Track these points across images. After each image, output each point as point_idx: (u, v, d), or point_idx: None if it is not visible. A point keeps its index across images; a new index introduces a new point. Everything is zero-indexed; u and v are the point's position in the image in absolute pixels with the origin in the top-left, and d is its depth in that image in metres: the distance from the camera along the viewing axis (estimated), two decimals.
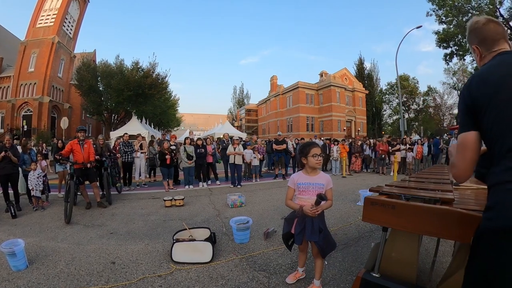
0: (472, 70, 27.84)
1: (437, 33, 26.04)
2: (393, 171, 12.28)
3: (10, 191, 7.10)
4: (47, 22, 37.10)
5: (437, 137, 18.68)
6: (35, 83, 35.35)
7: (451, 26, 24.80)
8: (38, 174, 7.41)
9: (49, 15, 37.33)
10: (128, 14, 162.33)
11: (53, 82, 36.95)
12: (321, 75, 48.86)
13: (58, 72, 38.60)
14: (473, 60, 25.88)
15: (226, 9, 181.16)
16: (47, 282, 3.43)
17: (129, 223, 5.91)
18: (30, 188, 7.26)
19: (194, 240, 4.07)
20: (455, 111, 51.22)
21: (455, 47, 26.01)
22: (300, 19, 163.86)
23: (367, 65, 58.23)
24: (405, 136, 18.06)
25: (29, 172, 7.41)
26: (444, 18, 24.84)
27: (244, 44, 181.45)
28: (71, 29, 40.56)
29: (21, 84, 35.53)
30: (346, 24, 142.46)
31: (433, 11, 25.18)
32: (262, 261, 3.84)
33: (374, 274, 2.15)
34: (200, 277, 3.46)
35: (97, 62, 33.56)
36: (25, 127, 32.86)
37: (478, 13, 22.22)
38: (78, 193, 7.33)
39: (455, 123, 42.85)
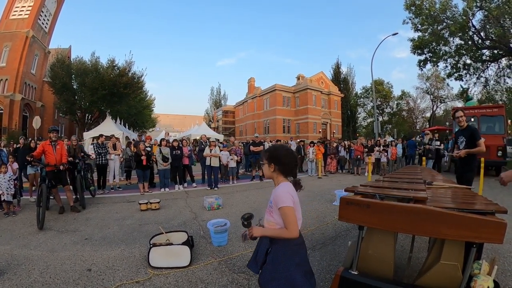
0: (445, 76, 28.91)
1: (412, 40, 26.91)
2: (368, 172, 12.53)
3: None
4: (21, 14, 35.43)
5: (412, 139, 19.22)
6: (6, 79, 33.63)
7: (426, 34, 25.67)
8: (9, 177, 7.13)
9: (24, 6, 35.70)
10: (105, 12, 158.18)
11: (25, 79, 35.31)
12: (298, 78, 49.14)
13: (31, 68, 36.85)
14: (446, 66, 26.96)
15: (202, 11, 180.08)
16: None
17: (104, 228, 5.79)
18: (0, 192, 6.94)
19: (171, 244, 4.04)
20: (428, 114, 53.27)
21: (429, 54, 26.99)
22: (276, 24, 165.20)
23: (344, 69, 59.44)
24: (379, 138, 18.54)
25: None
26: (419, 26, 25.68)
27: (221, 45, 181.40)
28: (46, 23, 39.00)
29: None
30: (323, 30, 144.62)
31: (410, 19, 26.04)
32: (241, 263, 3.85)
33: (352, 272, 2.21)
34: (179, 281, 3.45)
35: (72, 59, 32.57)
36: None
37: (452, 22, 23.26)
38: (51, 197, 7.11)
39: (427, 126, 44.34)
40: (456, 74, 26.99)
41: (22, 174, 9.20)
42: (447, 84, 43.54)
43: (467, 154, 4.72)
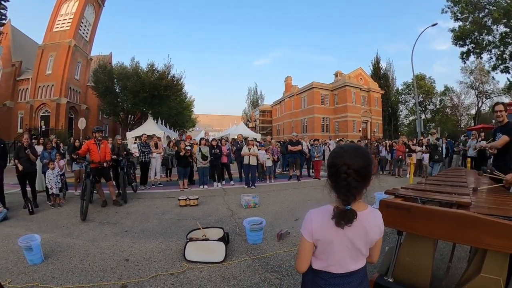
0: (490, 69, 26.91)
1: (453, 30, 25.24)
2: (409, 173, 11.91)
3: (28, 189, 7.35)
4: (63, 26, 37.58)
5: (449, 139, 17.97)
6: (52, 85, 35.95)
7: (467, 23, 24.00)
8: (57, 173, 7.67)
9: (65, 19, 37.82)
10: (142, 18, 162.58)
11: (70, 84, 37.47)
12: (336, 75, 47.63)
13: (75, 74, 39.05)
14: (490, 57, 24.78)
15: (233, 13, 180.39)
16: (61, 276, 3.53)
17: (144, 222, 5.98)
18: (49, 186, 7.47)
19: (207, 239, 4.08)
20: (473, 111, 48.51)
21: (472, 44, 25.15)
22: (309, 22, 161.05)
23: (383, 64, 56.13)
24: (422, 137, 17.53)
25: (47, 170, 7.63)
26: (459, 15, 24.06)
27: (256, 46, 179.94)
28: (87, 33, 40.98)
29: (39, 86, 36.17)
30: (358, 25, 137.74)
31: (448, 8, 24.48)
32: (275, 263, 3.81)
33: (387, 279, 2.10)
34: (212, 276, 3.47)
35: (113, 65, 34.16)
36: (43, 127, 33.12)
37: (495, 8, 21.48)
38: (94, 191, 7.46)
39: (472, 124, 41.03)
40: (502, 66, 24.78)
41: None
42: (493, 77, 39.87)
43: (495, 151, 4.30)
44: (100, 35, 75.53)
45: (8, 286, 3.26)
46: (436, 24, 23.34)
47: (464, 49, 25.87)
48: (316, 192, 8.88)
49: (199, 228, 4.50)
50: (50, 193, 7.53)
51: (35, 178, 7.67)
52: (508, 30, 22.61)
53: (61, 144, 11.36)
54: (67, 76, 36.43)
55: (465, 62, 28.41)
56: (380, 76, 53.37)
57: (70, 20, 37.56)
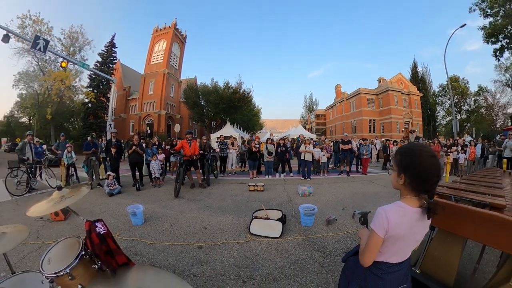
0: None
1: (483, 28, 20.43)
2: (445, 172, 10.23)
3: (137, 173, 8.19)
4: (157, 60, 41.88)
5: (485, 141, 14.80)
6: (154, 102, 40.44)
7: (498, 18, 19.23)
8: (159, 162, 8.65)
9: (158, 55, 42.12)
10: (217, 47, 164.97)
11: (167, 100, 41.50)
12: (379, 81, 44.20)
13: (170, 93, 43.08)
14: None
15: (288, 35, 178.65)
16: (154, 235, 3.92)
17: (221, 201, 6.18)
18: (153, 172, 8.35)
19: (268, 218, 4.13)
20: (510, 110, 38.62)
21: (505, 40, 20.14)
22: (351, 35, 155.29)
23: (420, 69, 49.61)
24: (458, 138, 15.30)
25: (151, 161, 8.58)
26: (489, 10, 19.39)
27: (309, 59, 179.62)
28: (176, 63, 44.71)
29: (144, 103, 40.99)
30: (394, 33, 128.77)
31: (476, 5, 19.94)
32: (321, 244, 3.63)
33: (415, 270, 1.84)
34: (269, 248, 3.46)
35: (198, 85, 36.91)
36: (148, 131, 38.05)
37: None
38: (186, 177, 7.87)
39: (509, 123, 33.25)
40: None
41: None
42: None
43: None
44: (186, 63, 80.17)
45: (117, 237, 3.68)
46: (465, 24, 18.06)
47: (497, 45, 20.99)
48: (362, 186, 8.39)
49: (263, 209, 4.54)
50: (153, 177, 8.39)
51: (142, 166, 8.51)
52: None
53: (163, 143, 12.20)
54: (164, 95, 40.42)
55: (499, 60, 23.01)
56: (418, 79, 47.51)
57: (162, 55, 41.75)
